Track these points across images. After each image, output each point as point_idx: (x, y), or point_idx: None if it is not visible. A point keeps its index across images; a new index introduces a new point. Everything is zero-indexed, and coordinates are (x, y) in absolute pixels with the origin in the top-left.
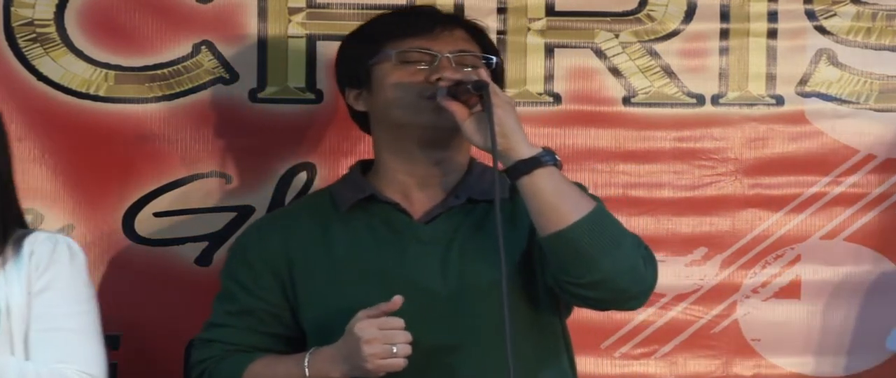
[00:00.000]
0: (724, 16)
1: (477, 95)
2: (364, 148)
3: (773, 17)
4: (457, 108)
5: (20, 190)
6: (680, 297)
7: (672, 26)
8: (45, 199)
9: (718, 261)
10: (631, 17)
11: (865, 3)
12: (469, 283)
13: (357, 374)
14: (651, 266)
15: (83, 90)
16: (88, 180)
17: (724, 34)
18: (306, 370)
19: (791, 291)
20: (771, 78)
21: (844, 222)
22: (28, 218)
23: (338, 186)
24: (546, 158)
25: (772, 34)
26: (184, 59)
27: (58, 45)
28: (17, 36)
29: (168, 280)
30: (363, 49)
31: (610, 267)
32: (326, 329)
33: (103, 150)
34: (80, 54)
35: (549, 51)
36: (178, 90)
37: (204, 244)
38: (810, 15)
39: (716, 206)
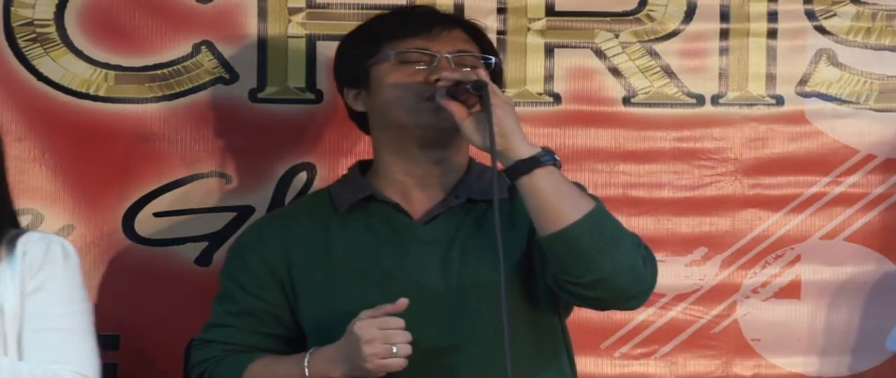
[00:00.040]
0: (724, 16)
1: (476, 95)
2: (363, 148)
3: (773, 17)
4: (456, 109)
5: (21, 190)
6: (680, 297)
7: (672, 26)
8: (45, 199)
9: (718, 261)
10: (631, 17)
11: (865, 3)
12: (469, 282)
13: (357, 374)
14: (651, 266)
15: (83, 90)
16: (88, 180)
17: (724, 34)
18: (306, 370)
19: (791, 291)
20: (771, 78)
21: (844, 222)
22: (28, 218)
23: (337, 187)
24: (545, 158)
25: (772, 34)
26: (184, 59)
27: (58, 45)
28: (17, 36)
29: (168, 280)
30: (362, 49)
31: (610, 266)
32: (326, 329)
33: (103, 150)
34: (80, 54)
35: (549, 51)
36: (177, 90)
37: (204, 244)
38: (810, 15)
39: (716, 206)
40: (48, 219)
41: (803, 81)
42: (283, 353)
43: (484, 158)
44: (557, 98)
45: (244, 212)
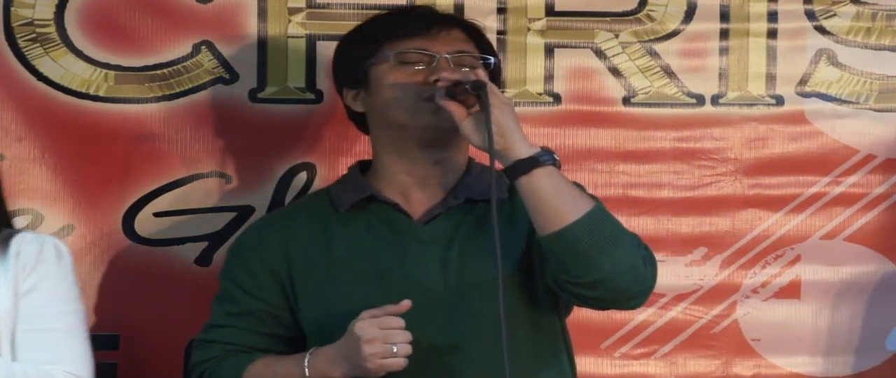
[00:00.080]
0: (724, 16)
1: (475, 95)
2: (363, 148)
3: (773, 17)
4: (455, 109)
5: (21, 190)
6: (680, 297)
7: (672, 26)
8: (45, 199)
9: (718, 261)
10: (631, 17)
11: (865, 3)
12: (469, 282)
13: (357, 374)
14: (651, 265)
15: (83, 90)
16: (88, 180)
17: (724, 34)
18: (306, 370)
19: (791, 291)
20: (771, 78)
21: (844, 222)
22: (28, 218)
23: (337, 187)
24: (544, 158)
25: (772, 34)
26: (184, 59)
27: (58, 45)
28: (17, 36)
29: (168, 280)
30: (361, 49)
31: (609, 266)
32: (326, 329)
33: (103, 150)
34: (79, 54)
35: (549, 51)
36: (177, 90)
37: (204, 244)
38: (810, 15)
39: (716, 206)
40: (48, 219)
41: (803, 81)
42: (283, 353)
43: (484, 158)
44: (557, 98)
45: (244, 212)
